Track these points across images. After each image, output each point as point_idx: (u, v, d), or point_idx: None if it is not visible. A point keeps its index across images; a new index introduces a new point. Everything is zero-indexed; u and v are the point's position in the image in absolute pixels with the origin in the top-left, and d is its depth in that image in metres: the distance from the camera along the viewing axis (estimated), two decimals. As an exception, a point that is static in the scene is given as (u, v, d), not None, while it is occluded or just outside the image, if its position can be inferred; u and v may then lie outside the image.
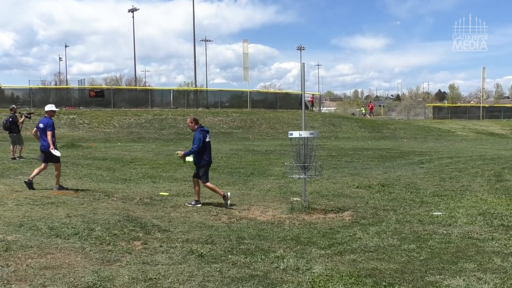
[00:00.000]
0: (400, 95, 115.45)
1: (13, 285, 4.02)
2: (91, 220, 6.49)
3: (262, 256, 5.14)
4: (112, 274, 4.37)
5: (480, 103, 60.66)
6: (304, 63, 8.49)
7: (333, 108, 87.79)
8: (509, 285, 4.27)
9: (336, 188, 10.52)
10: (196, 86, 57.22)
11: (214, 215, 7.51)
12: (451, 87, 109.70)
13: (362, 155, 19.02)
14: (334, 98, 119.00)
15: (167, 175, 12.45)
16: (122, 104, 38.24)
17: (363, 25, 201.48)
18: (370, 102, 67.09)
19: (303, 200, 8.12)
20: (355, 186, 10.86)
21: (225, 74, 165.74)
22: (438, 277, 4.49)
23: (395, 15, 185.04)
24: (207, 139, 8.25)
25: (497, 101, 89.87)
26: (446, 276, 4.51)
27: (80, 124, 30.73)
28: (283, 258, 5.08)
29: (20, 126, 15.02)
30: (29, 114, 15.81)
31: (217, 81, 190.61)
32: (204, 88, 53.68)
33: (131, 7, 57.84)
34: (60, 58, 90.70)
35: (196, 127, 8.30)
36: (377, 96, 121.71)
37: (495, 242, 5.83)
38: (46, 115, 9.40)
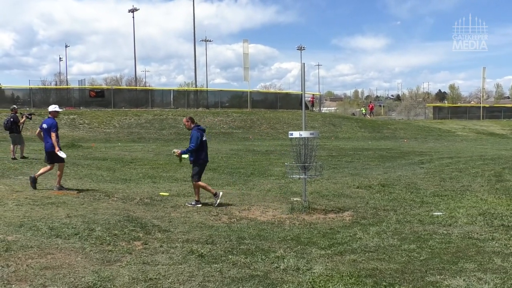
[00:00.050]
0: (400, 95, 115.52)
1: (13, 285, 4.02)
2: (91, 220, 6.49)
3: (263, 256, 5.14)
4: (112, 274, 4.37)
5: (480, 103, 60.66)
6: (304, 63, 8.49)
7: (333, 108, 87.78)
8: (509, 285, 4.27)
9: (336, 188, 10.52)
10: (196, 86, 57.26)
11: (215, 215, 7.51)
12: (451, 87, 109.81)
13: (362, 155, 19.02)
14: (335, 98, 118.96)
15: (168, 175, 12.45)
16: (122, 104, 38.25)
17: (364, 25, 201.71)
18: (370, 102, 67.07)
19: (304, 200, 8.12)
20: (356, 186, 10.86)
21: (225, 74, 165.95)
22: (439, 277, 4.49)
23: (395, 15, 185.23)
24: (204, 138, 8.26)
25: (497, 101, 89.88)
26: (447, 276, 4.51)
27: (80, 124, 30.74)
28: (283, 258, 5.08)
29: (21, 126, 15.06)
30: (30, 114, 15.85)
31: (218, 81, 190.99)
32: (205, 88, 53.69)
33: (131, 7, 57.99)
34: (60, 58, 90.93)
35: (192, 125, 8.31)
36: (377, 96, 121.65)
37: (496, 242, 5.83)
38: (49, 115, 9.42)
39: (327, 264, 4.94)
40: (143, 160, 16.05)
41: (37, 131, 9.47)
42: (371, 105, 57.07)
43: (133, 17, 58.12)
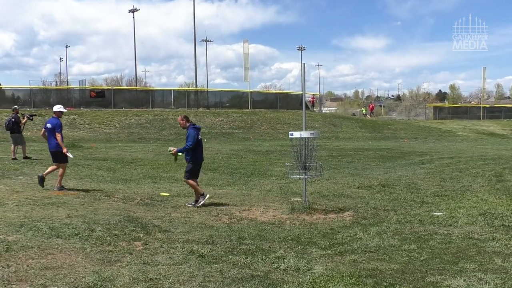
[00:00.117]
0: (400, 95, 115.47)
1: (13, 286, 4.02)
2: (91, 220, 6.49)
3: (263, 257, 5.14)
4: (112, 274, 4.38)
5: (480, 104, 60.63)
6: (304, 64, 8.49)
7: (333, 108, 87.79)
8: (510, 286, 4.27)
9: (336, 188, 10.52)
10: (196, 86, 57.19)
11: (215, 216, 7.51)
12: (452, 87, 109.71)
13: (363, 156, 19.02)
14: (335, 99, 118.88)
15: (168, 175, 12.45)
16: (122, 104, 38.28)
17: (364, 25, 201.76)
18: (371, 102, 67.02)
19: (304, 201, 8.12)
20: (356, 186, 10.86)
21: (226, 74, 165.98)
22: (439, 277, 4.49)
23: (395, 15, 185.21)
24: (199, 137, 8.27)
25: (498, 101, 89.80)
26: (447, 277, 4.50)
27: (80, 124, 30.75)
28: (283, 259, 5.08)
29: (22, 127, 15.13)
30: (32, 115, 15.92)
31: (218, 81, 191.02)
32: (205, 88, 53.67)
33: (132, 8, 58.02)
34: (60, 58, 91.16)
35: (188, 124, 8.32)
36: (377, 96, 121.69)
37: (496, 243, 5.82)
38: (54, 115, 9.49)
39: (328, 264, 4.94)
40: (144, 161, 16.06)
41: (42, 132, 9.60)
42: (371, 105, 57.07)
43: (133, 17, 58.25)
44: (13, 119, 14.90)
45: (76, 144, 21.36)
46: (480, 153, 20.58)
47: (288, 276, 4.54)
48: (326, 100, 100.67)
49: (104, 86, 63.99)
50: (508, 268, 4.77)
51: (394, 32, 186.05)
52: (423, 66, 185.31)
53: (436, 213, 7.73)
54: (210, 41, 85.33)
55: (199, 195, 8.27)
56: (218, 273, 4.55)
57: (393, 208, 8.36)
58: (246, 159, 17.43)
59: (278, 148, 22.39)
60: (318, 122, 38.32)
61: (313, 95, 52.32)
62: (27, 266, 4.49)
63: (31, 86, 39.97)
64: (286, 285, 4.26)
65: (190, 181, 8.28)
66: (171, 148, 8.47)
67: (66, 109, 10.38)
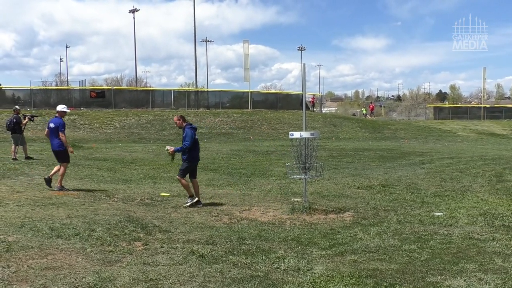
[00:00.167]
0: (401, 95, 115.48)
1: (14, 286, 4.02)
2: (92, 220, 6.49)
3: (263, 257, 5.14)
4: (113, 274, 4.38)
5: (481, 104, 60.63)
6: (305, 64, 8.49)
7: (334, 108, 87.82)
8: (510, 286, 4.27)
9: (337, 188, 10.52)
10: (197, 86, 57.15)
11: (215, 216, 7.51)
12: (452, 87, 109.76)
13: (363, 156, 19.01)
14: (335, 99, 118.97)
15: (168, 175, 12.45)
16: (123, 104, 38.29)
17: (364, 25, 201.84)
18: (371, 102, 67.04)
19: (304, 201, 8.12)
20: (356, 186, 10.86)
21: (226, 74, 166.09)
22: (439, 277, 4.49)
23: (396, 15, 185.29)
24: (196, 137, 8.28)
25: (498, 102, 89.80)
26: (447, 277, 4.50)
27: (81, 124, 30.76)
28: (284, 259, 5.08)
29: (23, 127, 15.21)
30: (33, 116, 16.01)
31: (218, 81, 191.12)
32: (205, 88, 53.61)
33: (132, 8, 58.00)
34: (61, 58, 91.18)
35: (184, 124, 8.32)
36: (378, 96, 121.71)
37: (496, 243, 5.82)
38: (57, 115, 9.56)
39: (328, 264, 4.94)
40: (144, 161, 16.06)
41: (46, 131, 9.68)
42: (371, 106, 57.08)
43: (133, 18, 58.32)
44: (14, 120, 14.98)
45: (76, 145, 21.33)
46: (481, 153, 20.57)
47: (288, 276, 4.54)
48: (326, 100, 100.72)
49: (105, 87, 63.99)
50: (508, 268, 4.77)
51: (394, 32, 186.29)
52: (423, 66, 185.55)
53: (437, 213, 7.73)
54: (211, 42, 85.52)
55: (190, 196, 8.30)
56: (218, 273, 4.55)
57: (394, 208, 8.36)
58: (246, 159, 17.44)
59: (278, 149, 22.39)
60: (318, 122, 38.33)
61: (313, 95, 52.37)
62: (28, 266, 4.49)
63: (31, 87, 39.99)
64: (287, 285, 4.26)
65: (183, 181, 8.27)
66: (168, 147, 8.47)
67: (69, 109, 10.46)
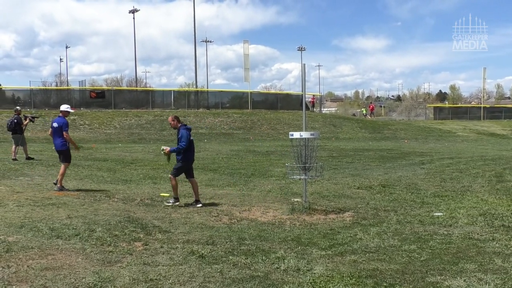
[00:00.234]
0: (401, 95, 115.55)
1: (14, 286, 4.02)
2: (92, 221, 6.50)
3: (263, 257, 5.14)
4: (113, 275, 4.38)
5: (481, 104, 60.64)
6: (305, 64, 8.50)
7: (333, 108, 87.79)
8: (510, 286, 4.27)
9: (337, 189, 10.52)
10: (197, 87, 57.16)
11: (215, 216, 7.51)
12: (452, 87, 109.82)
13: (363, 156, 19.01)
14: (335, 99, 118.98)
15: (168, 176, 12.42)
16: (123, 105, 38.28)
17: (364, 26, 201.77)
18: (371, 102, 67.04)
19: (304, 201, 8.12)
20: (356, 187, 10.86)
21: (226, 75, 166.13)
22: (439, 277, 4.49)
23: (396, 15, 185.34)
24: (191, 137, 8.28)
25: (498, 102, 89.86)
26: (447, 277, 4.50)
27: (81, 125, 30.76)
28: (284, 259, 5.08)
29: (23, 128, 15.26)
30: (33, 117, 16.08)
31: (218, 82, 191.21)
32: (205, 89, 53.62)
33: (132, 8, 58.02)
34: (61, 59, 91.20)
35: (179, 125, 8.31)
36: (378, 96, 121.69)
37: (496, 243, 5.82)
38: (60, 114, 9.63)
39: (328, 264, 4.94)
40: (144, 161, 16.06)
41: (49, 131, 9.84)
42: (371, 106, 57.06)
43: (133, 18, 58.40)
44: (15, 120, 15.04)
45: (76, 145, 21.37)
46: (480, 154, 20.58)
47: (288, 276, 4.54)
48: (326, 101, 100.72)
49: (104, 87, 63.99)
50: (508, 268, 4.77)
51: (394, 33, 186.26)
52: (423, 66, 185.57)
53: (436, 214, 7.73)
54: (210, 42, 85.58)
55: (175, 197, 8.26)
56: (218, 273, 4.55)
57: (393, 209, 8.37)
58: (246, 159, 17.44)
59: (278, 149, 22.39)
60: (318, 122, 38.33)
61: (313, 95, 52.37)
62: (28, 266, 4.49)
63: (31, 87, 39.98)
64: (287, 286, 4.26)
65: (173, 181, 8.24)
66: (164, 148, 8.47)
67: (73, 110, 10.54)
